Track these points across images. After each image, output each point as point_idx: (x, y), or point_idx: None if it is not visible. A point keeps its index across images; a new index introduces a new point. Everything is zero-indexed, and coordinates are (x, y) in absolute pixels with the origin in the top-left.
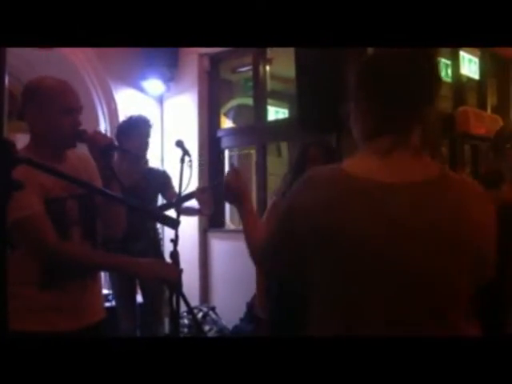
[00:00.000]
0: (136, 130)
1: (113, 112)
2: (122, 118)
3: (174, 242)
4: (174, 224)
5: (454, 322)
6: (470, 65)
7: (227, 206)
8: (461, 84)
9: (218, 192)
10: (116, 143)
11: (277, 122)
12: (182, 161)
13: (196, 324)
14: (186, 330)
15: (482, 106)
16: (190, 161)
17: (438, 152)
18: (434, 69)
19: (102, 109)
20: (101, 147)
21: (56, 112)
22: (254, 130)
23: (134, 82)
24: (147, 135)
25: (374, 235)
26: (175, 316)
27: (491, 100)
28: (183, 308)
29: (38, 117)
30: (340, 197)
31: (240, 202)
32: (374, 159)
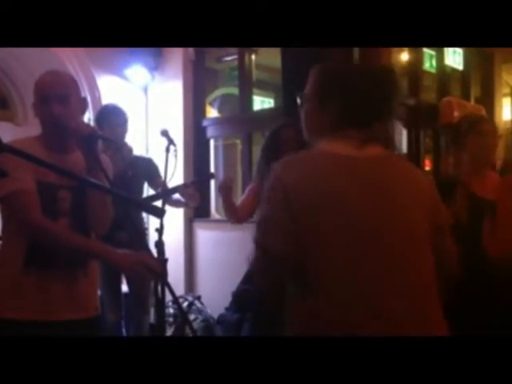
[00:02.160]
0: (106, 120)
1: (96, 101)
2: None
3: (159, 231)
4: (160, 213)
5: (420, 274)
6: (454, 56)
7: (213, 196)
8: (445, 75)
9: (203, 184)
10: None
11: (262, 111)
12: (168, 150)
13: (182, 314)
14: (171, 319)
15: (466, 96)
16: (176, 150)
17: (393, 144)
18: (393, 84)
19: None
20: (84, 136)
21: (37, 101)
22: (240, 119)
23: (118, 71)
24: (117, 125)
25: (359, 203)
26: (160, 305)
27: (475, 90)
28: (169, 297)
29: (34, 110)
30: (325, 171)
31: None
32: (340, 141)
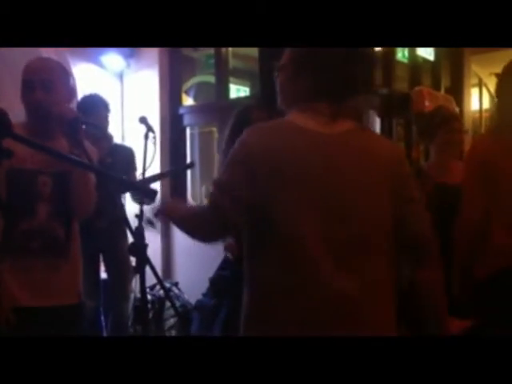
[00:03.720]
0: (93, 110)
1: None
2: (80, 93)
3: (139, 217)
4: (152, 195)
5: (377, 250)
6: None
7: (189, 183)
8: (416, 65)
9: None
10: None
11: (238, 99)
12: (146, 137)
13: (168, 297)
14: (149, 305)
15: (437, 86)
16: (154, 137)
17: (361, 120)
18: (365, 59)
19: None
20: (68, 121)
21: (22, 87)
22: (216, 107)
23: (93, 58)
24: (100, 115)
25: (318, 177)
26: (143, 290)
27: (445, 81)
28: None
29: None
30: (289, 143)
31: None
32: (308, 114)
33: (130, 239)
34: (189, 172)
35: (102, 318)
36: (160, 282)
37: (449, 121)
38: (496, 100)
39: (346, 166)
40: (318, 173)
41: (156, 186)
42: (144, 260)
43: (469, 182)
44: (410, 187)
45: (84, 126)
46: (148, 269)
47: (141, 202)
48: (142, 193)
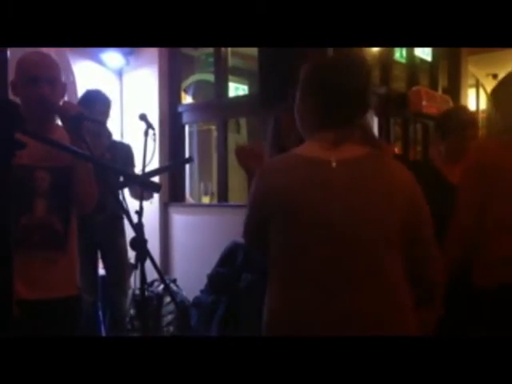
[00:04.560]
0: (91, 105)
1: (71, 85)
2: (81, 91)
3: (139, 213)
4: (157, 188)
5: (391, 280)
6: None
7: (187, 180)
8: (414, 65)
9: (181, 167)
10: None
11: (237, 98)
12: (146, 134)
13: (167, 289)
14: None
15: (434, 86)
16: (154, 134)
17: (374, 140)
18: (368, 81)
19: None
20: (72, 117)
21: (23, 81)
22: (216, 105)
23: (92, 55)
24: (101, 111)
25: (324, 208)
26: (143, 286)
27: (442, 81)
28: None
29: (12, 88)
30: (296, 176)
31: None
32: (321, 145)
33: (128, 236)
34: (187, 169)
35: (100, 313)
36: (160, 274)
37: (467, 128)
38: (493, 105)
39: (350, 192)
40: (323, 203)
41: (155, 181)
42: (144, 254)
43: (465, 187)
44: (422, 221)
45: (86, 122)
46: (149, 265)
47: (140, 198)
48: (149, 186)
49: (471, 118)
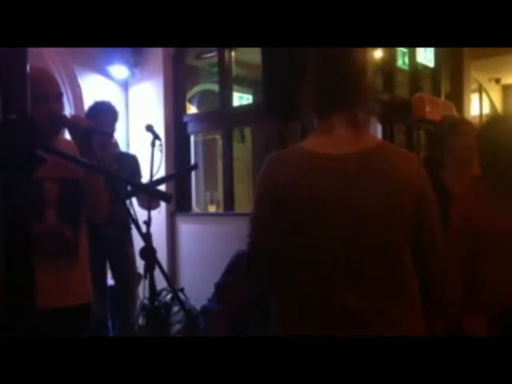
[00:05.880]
0: (102, 117)
1: (78, 97)
2: (87, 103)
3: (147, 223)
4: (167, 198)
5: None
6: (425, 53)
7: (193, 189)
8: (417, 71)
9: (185, 177)
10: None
11: (242, 107)
12: (153, 145)
13: (176, 297)
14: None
15: (437, 92)
16: (161, 145)
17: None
18: (365, 61)
19: (67, 94)
20: (82, 130)
21: (34, 99)
22: (220, 115)
23: (98, 67)
24: (110, 122)
25: (328, 196)
26: (152, 295)
27: (445, 87)
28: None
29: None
30: (302, 168)
31: None
32: (324, 137)
33: (135, 245)
34: (193, 178)
35: (109, 323)
36: (170, 283)
37: (456, 125)
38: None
39: (355, 186)
40: (328, 196)
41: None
42: (153, 263)
43: (452, 236)
44: (428, 210)
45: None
46: (156, 274)
47: (148, 208)
48: (159, 196)
49: (469, 127)
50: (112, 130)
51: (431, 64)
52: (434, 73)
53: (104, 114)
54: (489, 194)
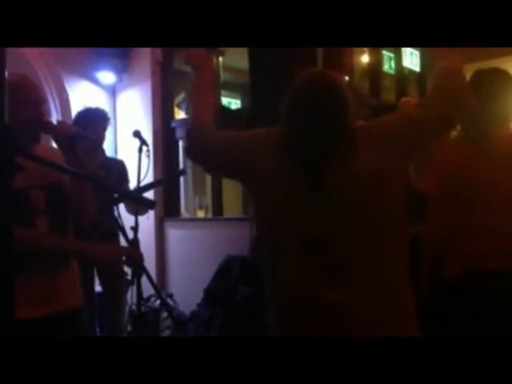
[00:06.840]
0: (93, 123)
1: (64, 103)
2: (74, 109)
3: (135, 229)
4: (151, 205)
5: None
6: (411, 57)
7: (182, 196)
8: (403, 76)
9: (174, 181)
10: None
11: (230, 112)
12: (140, 150)
13: (164, 304)
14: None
15: (423, 96)
16: (148, 150)
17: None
18: (345, 106)
19: (54, 100)
20: (67, 136)
21: (17, 105)
22: None
23: (86, 73)
24: (102, 128)
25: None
26: (139, 302)
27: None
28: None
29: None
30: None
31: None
32: None
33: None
34: (182, 183)
35: (98, 330)
36: (156, 290)
37: None
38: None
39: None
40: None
41: (149, 196)
42: (140, 270)
43: (433, 191)
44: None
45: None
46: (145, 280)
47: (135, 214)
48: (143, 203)
49: None
50: (101, 137)
51: (417, 68)
52: (419, 77)
53: (99, 120)
54: (465, 145)
